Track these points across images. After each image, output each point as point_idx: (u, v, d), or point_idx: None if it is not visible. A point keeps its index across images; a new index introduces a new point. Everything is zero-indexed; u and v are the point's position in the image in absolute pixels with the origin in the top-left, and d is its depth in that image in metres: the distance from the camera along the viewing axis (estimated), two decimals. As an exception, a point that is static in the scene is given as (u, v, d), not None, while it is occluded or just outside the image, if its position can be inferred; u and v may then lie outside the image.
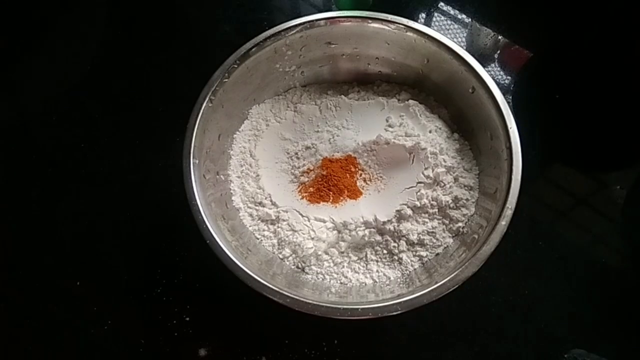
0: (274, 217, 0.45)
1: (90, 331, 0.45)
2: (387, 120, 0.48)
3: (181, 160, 0.40)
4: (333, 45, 0.49)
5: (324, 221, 0.44)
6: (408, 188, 0.45)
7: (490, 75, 0.43)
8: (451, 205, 0.43)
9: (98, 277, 0.48)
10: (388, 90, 0.52)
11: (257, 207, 0.46)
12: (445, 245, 0.43)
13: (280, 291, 0.35)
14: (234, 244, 0.39)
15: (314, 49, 0.49)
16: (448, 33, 0.62)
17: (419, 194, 0.43)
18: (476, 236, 0.40)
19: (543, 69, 0.61)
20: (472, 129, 0.46)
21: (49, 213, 0.51)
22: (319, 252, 0.43)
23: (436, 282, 0.35)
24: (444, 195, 0.43)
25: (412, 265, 0.43)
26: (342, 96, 0.51)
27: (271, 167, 0.48)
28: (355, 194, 0.45)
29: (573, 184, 0.52)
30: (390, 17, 0.45)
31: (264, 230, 0.45)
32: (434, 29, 0.45)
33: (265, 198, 0.46)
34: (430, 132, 0.46)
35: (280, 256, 0.43)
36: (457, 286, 0.35)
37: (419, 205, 0.43)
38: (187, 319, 0.45)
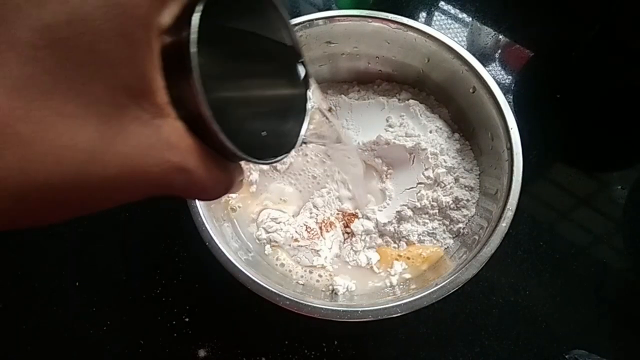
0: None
1: (89, 332, 0.44)
2: (387, 120, 0.48)
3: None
4: (333, 45, 0.49)
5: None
6: (408, 189, 0.44)
7: (491, 74, 0.43)
8: (452, 206, 0.43)
9: (97, 278, 0.47)
10: (388, 90, 0.52)
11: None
12: (446, 246, 0.43)
13: (280, 293, 0.35)
14: (234, 246, 0.39)
15: (314, 48, 0.49)
16: (449, 32, 0.62)
17: (419, 194, 0.43)
18: (477, 237, 0.39)
19: (544, 68, 0.61)
20: (473, 129, 0.46)
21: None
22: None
23: (436, 284, 0.35)
24: (444, 196, 0.43)
25: (412, 266, 0.42)
26: (342, 96, 0.51)
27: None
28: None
29: (574, 184, 0.52)
30: (390, 16, 0.45)
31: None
32: (434, 28, 0.45)
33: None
34: (430, 132, 0.46)
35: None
36: (457, 288, 0.35)
37: (419, 206, 0.43)
38: (187, 319, 0.44)
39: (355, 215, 0.44)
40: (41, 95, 0.13)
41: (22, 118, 0.13)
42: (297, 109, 0.23)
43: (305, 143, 0.23)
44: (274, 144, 0.21)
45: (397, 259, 0.42)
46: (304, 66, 0.24)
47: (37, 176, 0.13)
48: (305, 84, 0.23)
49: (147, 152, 0.16)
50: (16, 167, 0.13)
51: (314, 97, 0.24)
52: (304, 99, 0.23)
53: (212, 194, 0.20)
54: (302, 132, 0.23)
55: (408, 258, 0.42)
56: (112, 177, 0.15)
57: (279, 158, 0.21)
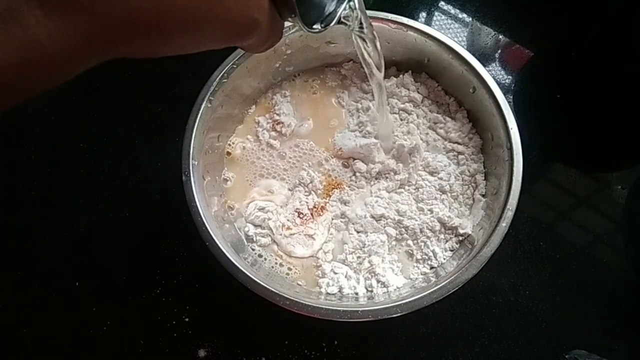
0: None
1: (89, 332, 0.44)
2: (387, 120, 0.48)
3: (180, 161, 0.40)
4: (333, 45, 0.49)
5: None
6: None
7: (491, 75, 0.43)
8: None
9: (97, 278, 0.47)
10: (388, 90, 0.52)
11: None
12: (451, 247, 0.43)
13: (280, 293, 0.35)
14: (234, 246, 0.39)
15: (314, 48, 0.49)
16: (449, 32, 0.62)
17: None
18: (477, 237, 0.39)
19: (544, 68, 0.61)
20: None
21: (48, 213, 0.51)
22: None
23: (436, 284, 0.35)
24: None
25: (412, 266, 0.42)
26: (343, 96, 0.51)
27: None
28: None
29: (574, 184, 0.52)
30: (390, 16, 0.45)
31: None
32: (434, 29, 0.45)
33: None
34: (430, 132, 0.46)
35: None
36: (457, 288, 0.35)
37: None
38: (187, 319, 0.44)
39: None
40: None
41: None
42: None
43: (345, 24, 0.32)
44: (317, 18, 0.29)
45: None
46: None
47: (169, 7, 0.19)
48: None
49: (242, 7, 0.22)
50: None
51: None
52: None
53: (264, 47, 0.27)
54: (339, 12, 0.30)
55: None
56: (216, 19, 0.21)
57: (318, 28, 0.28)
